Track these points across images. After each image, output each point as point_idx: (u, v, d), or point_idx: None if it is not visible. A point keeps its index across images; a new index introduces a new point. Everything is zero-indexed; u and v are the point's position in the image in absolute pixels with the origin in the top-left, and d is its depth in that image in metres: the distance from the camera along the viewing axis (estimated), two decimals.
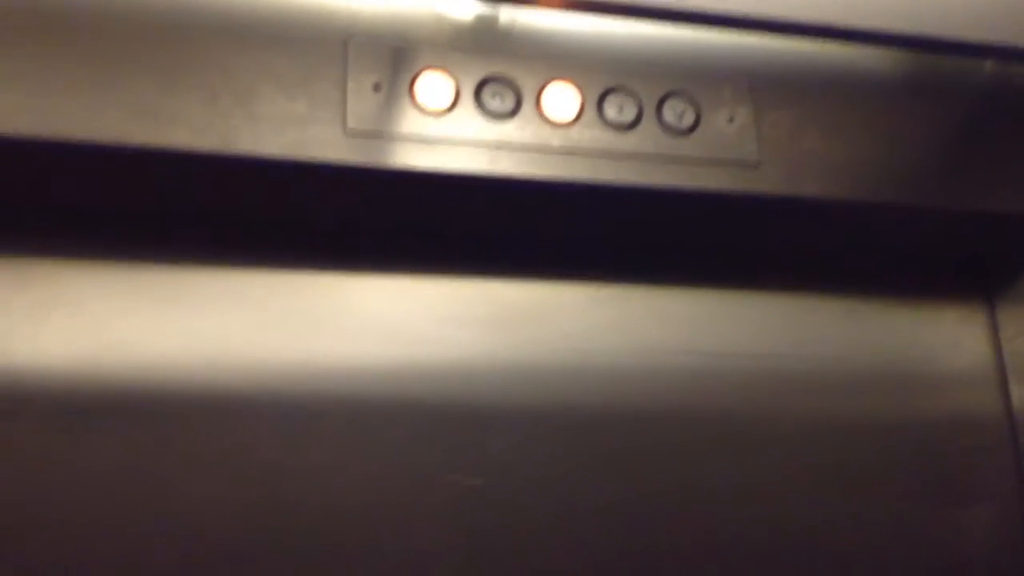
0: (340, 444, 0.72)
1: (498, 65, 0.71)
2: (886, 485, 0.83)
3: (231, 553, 0.69)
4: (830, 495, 0.81)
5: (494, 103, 0.71)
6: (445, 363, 0.76)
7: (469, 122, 0.70)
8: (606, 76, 0.73)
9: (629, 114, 0.73)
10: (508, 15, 0.73)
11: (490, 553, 0.73)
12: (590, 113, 0.72)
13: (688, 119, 0.74)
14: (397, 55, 0.69)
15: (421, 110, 0.69)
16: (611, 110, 0.73)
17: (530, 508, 0.74)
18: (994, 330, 0.89)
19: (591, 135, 0.72)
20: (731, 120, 0.75)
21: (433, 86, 0.69)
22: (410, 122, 0.68)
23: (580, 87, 0.72)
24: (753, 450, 0.80)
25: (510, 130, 0.70)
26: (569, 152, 0.71)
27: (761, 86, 0.76)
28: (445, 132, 0.69)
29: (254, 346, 0.73)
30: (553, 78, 0.72)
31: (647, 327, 0.81)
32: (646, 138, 0.73)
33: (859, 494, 0.82)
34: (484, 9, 0.73)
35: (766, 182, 0.75)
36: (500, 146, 0.70)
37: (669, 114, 0.74)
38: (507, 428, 0.75)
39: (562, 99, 0.72)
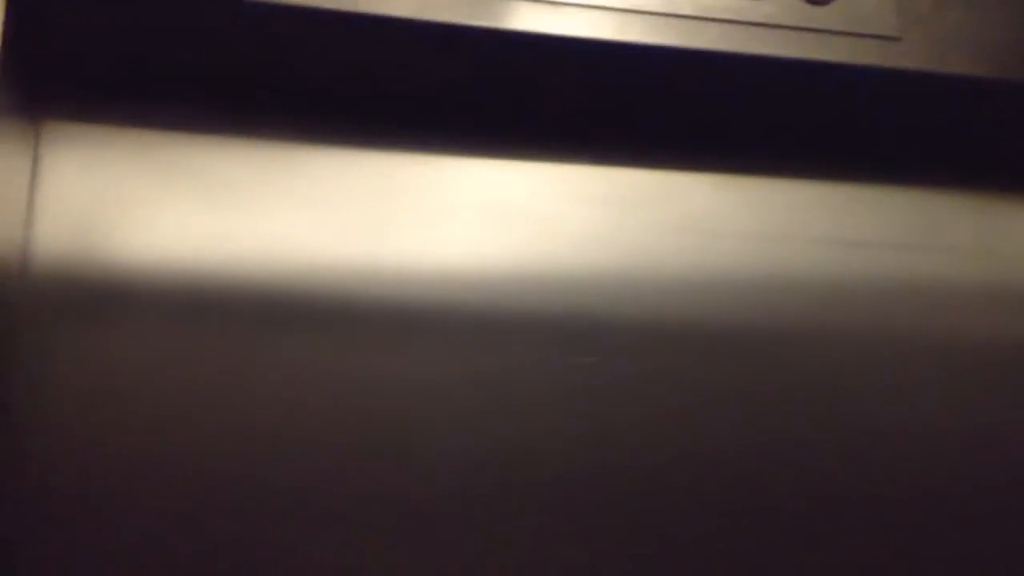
0: (447, 322, 0.70)
1: None
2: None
3: (342, 463, 0.67)
4: (975, 408, 0.77)
5: None
6: (560, 243, 0.73)
7: None
8: None
9: None
10: None
11: (600, 433, 0.71)
12: None
13: None
14: None
15: None
16: None
17: (648, 385, 0.72)
18: None
19: (724, 2, 0.68)
20: None
21: None
22: None
23: None
24: (891, 354, 0.77)
25: None
26: (701, 18, 0.67)
27: None
28: None
29: (362, 227, 0.71)
30: None
31: (773, 212, 0.77)
32: (782, 7, 0.68)
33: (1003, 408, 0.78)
34: None
35: (907, 57, 0.70)
36: (629, 11, 0.66)
37: None
38: (626, 305, 0.73)
39: None
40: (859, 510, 0.73)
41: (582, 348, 0.72)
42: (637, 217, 0.75)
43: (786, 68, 0.69)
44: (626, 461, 0.71)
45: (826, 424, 0.75)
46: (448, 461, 0.68)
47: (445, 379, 0.69)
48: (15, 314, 0.64)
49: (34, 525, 0.62)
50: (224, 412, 0.66)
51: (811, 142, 0.79)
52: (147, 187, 0.68)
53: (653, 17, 0.67)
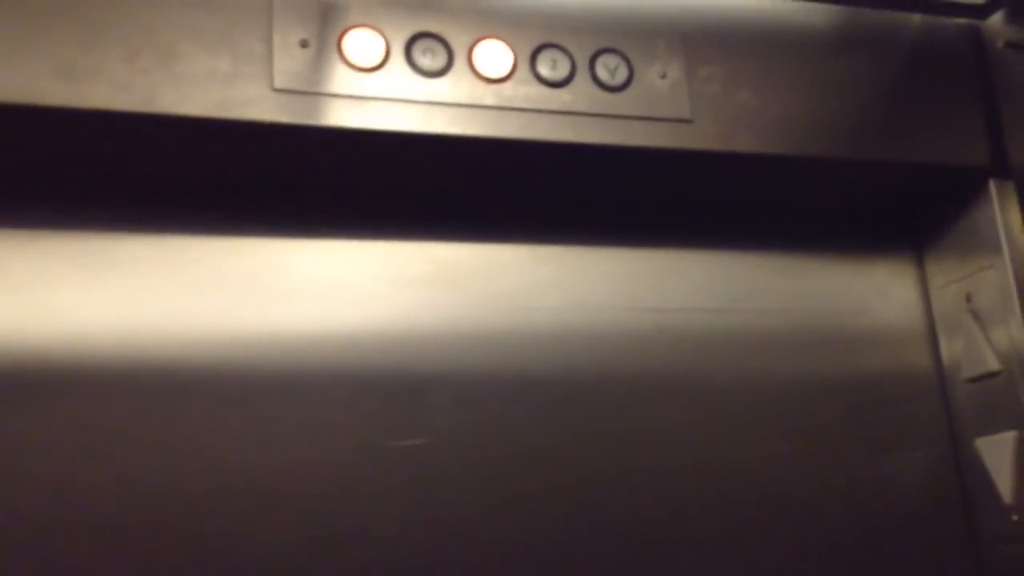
0: (274, 409, 0.71)
1: (427, 22, 0.70)
2: (822, 432, 0.84)
3: (168, 523, 0.67)
4: (766, 445, 0.83)
5: (425, 60, 0.70)
6: (382, 324, 0.75)
7: (400, 79, 0.69)
8: (538, 32, 0.72)
9: (562, 71, 0.72)
10: None
11: (430, 514, 0.72)
12: (523, 70, 0.72)
13: (621, 75, 0.74)
14: (324, 11, 0.68)
15: (351, 67, 0.68)
16: (544, 67, 0.72)
17: (469, 467, 0.74)
18: (923, 280, 0.91)
19: (525, 92, 0.71)
20: (663, 76, 0.75)
21: (362, 43, 0.68)
22: (339, 80, 0.67)
23: (511, 44, 0.72)
24: (692, 402, 0.81)
25: (442, 87, 0.69)
26: (503, 109, 0.70)
27: (693, 41, 0.76)
28: (376, 90, 0.68)
29: (183, 312, 0.71)
30: (484, 35, 0.71)
31: (587, 284, 0.81)
32: (580, 95, 0.72)
33: (794, 442, 0.83)
34: None
35: (699, 138, 0.75)
36: (433, 104, 0.69)
37: (602, 71, 0.74)
38: (447, 387, 0.75)
39: (494, 56, 0.71)
40: (679, 542, 0.78)
41: (407, 430, 0.73)
42: (455, 295, 0.77)
43: (586, 152, 0.73)
44: (454, 541, 0.72)
45: (643, 472, 0.79)
46: (273, 544, 0.69)
47: (263, 462, 0.70)
48: None
49: None
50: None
51: (616, 218, 0.83)
52: None
53: (457, 109, 0.69)
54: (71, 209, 0.71)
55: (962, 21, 0.86)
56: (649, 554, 0.77)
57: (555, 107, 0.72)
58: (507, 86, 0.71)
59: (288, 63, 0.66)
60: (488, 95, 0.70)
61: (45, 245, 0.69)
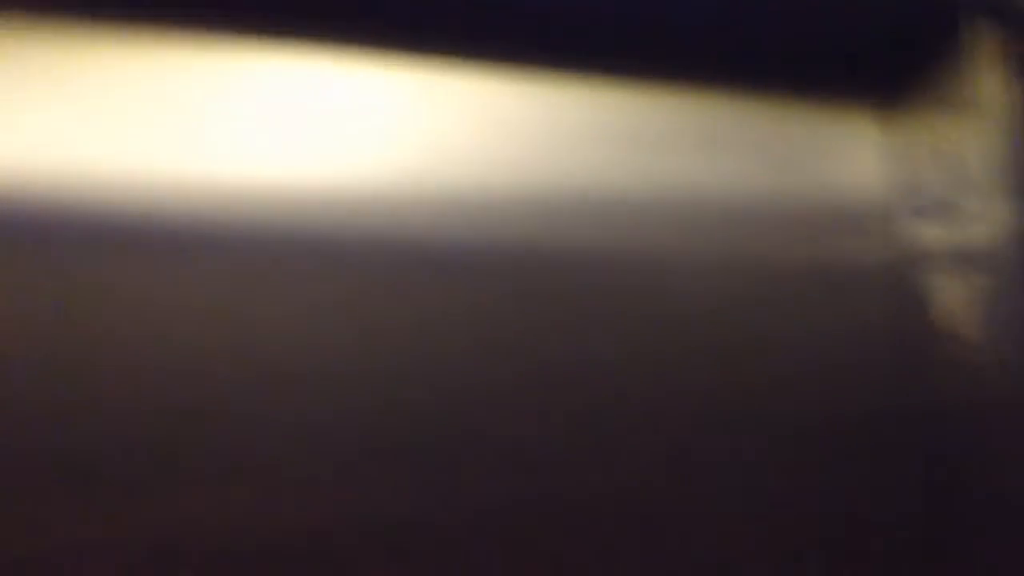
0: (248, 260, 0.65)
1: None
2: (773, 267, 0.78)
3: (134, 377, 0.61)
4: (725, 324, 0.76)
5: None
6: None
7: None
8: None
9: None
10: None
11: (408, 388, 0.67)
12: None
13: None
14: None
15: None
16: None
17: (450, 340, 0.69)
18: (888, 136, 0.83)
19: None
20: None
21: None
22: None
23: None
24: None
25: None
26: None
27: None
28: None
29: (151, 139, 0.64)
30: None
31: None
32: None
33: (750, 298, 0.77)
34: None
35: None
36: None
37: None
38: (464, 226, 0.69)
39: None
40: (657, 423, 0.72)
41: (423, 273, 0.68)
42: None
43: None
44: (459, 387, 0.68)
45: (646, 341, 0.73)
46: (283, 393, 0.64)
47: (265, 310, 0.65)
48: None
49: None
50: None
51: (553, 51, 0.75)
52: None
53: None
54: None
55: None
56: (602, 437, 0.71)
57: None
58: None
59: None
60: None
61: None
